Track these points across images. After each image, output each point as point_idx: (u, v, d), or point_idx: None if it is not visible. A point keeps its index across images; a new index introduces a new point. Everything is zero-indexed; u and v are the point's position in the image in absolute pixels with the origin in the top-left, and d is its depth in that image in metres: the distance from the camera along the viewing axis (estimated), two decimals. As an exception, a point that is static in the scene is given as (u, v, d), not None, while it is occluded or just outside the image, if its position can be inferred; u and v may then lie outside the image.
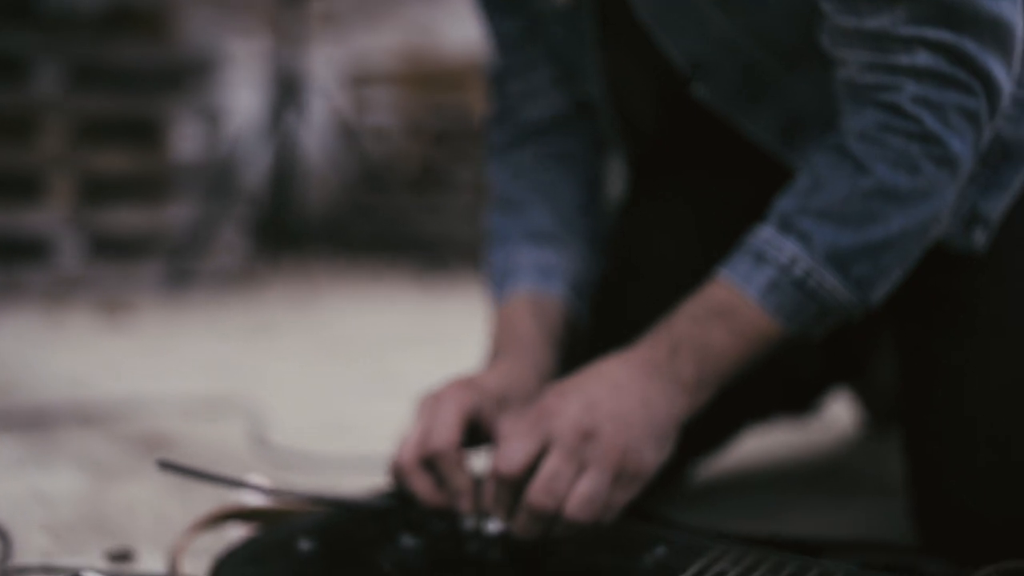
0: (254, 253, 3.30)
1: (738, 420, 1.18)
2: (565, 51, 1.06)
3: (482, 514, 0.88)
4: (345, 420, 1.59)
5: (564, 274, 1.06)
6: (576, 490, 0.81)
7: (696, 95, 0.98)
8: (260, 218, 3.54)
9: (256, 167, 3.52)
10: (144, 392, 1.67)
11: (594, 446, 0.82)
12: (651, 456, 0.84)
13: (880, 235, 0.84)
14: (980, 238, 0.93)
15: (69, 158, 2.75)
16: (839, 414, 1.57)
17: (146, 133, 2.91)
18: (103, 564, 0.97)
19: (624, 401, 0.83)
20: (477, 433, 0.93)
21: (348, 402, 1.72)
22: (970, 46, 0.82)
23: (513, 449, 0.82)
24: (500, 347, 1.02)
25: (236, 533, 0.98)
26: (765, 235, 0.87)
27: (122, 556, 0.99)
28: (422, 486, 0.90)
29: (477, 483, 0.90)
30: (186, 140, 2.96)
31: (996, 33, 0.82)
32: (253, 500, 1.05)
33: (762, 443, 1.44)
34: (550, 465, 0.81)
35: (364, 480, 1.12)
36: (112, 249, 2.84)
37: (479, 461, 0.92)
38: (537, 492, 0.81)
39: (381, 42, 4.19)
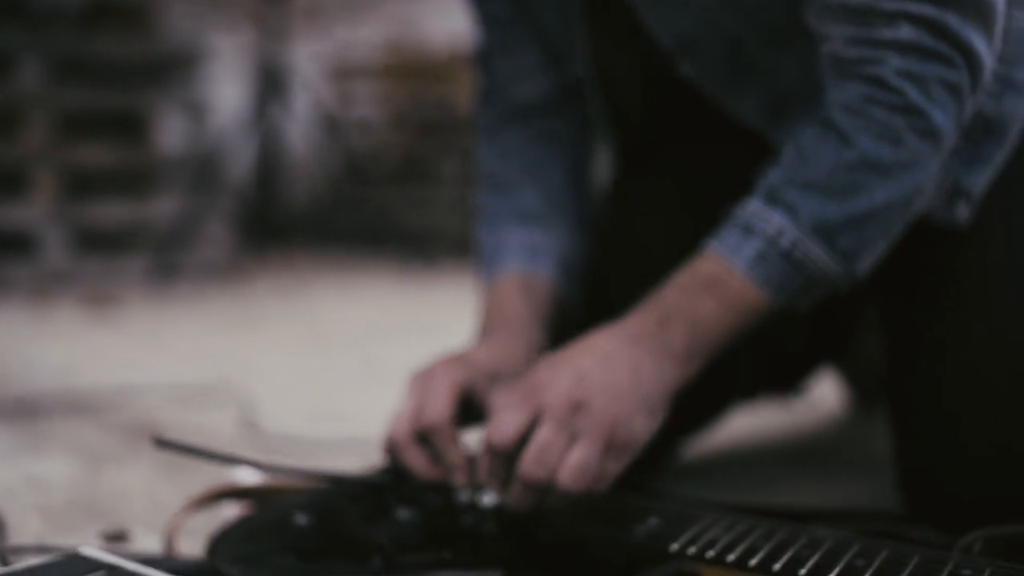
0: (239, 246, 3.30)
1: (725, 397, 1.19)
2: (552, 33, 1.07)
3: (476, 487, 0.89)
4: (333, 408, 1.59)
5: (552, 254, 1.08)
6: (568, 460, 0.82)
7: (682, 73, 0.99)
8: (245, 211, 3.53)
9: (241, 160, 3.51)
10: (133, 382, 1.67)
11: (585, 417, 0.83)
12: (642, 426, 0.85)
13: (864, 206, 0.85)
14: (963, 212, 0.94)
15: (53, 152, 2.74)
16: (825, 395, 1.59)
17: (130, 127, 2.90)
18: (99, 544, 0.98)
19: (614, 372, 0.84)
20: (470, 409, 0.94)
21: (335, 391, 1.73)
22: (952, 20, 0.83)
23: (505, 421, 0.83)
24: (490, 325, 1.03)
25: (230, 512, 0.99)
26: (752, 208, 0.88)
27: (117, 536, 1.00)
28: (416, 461, 0.91)
29: (471, 459, 0.91)
30: (170, 134, 2.95)
31: (978, 8, 0.84)
32: (246, 479, 1.05)
33: (749, 423, 1.45)
34: (541, 436, 0.82)
35: (354, 462, 1.13)
36: (97, 243, 2.83)
37: (472, 437, 0.93)
38: (529, 463, 0.82)
39: (364, 35, 4.19)
